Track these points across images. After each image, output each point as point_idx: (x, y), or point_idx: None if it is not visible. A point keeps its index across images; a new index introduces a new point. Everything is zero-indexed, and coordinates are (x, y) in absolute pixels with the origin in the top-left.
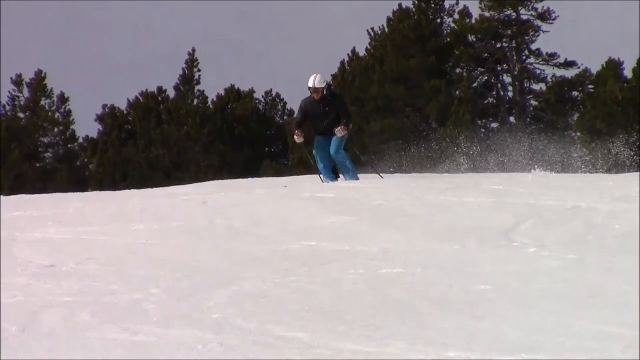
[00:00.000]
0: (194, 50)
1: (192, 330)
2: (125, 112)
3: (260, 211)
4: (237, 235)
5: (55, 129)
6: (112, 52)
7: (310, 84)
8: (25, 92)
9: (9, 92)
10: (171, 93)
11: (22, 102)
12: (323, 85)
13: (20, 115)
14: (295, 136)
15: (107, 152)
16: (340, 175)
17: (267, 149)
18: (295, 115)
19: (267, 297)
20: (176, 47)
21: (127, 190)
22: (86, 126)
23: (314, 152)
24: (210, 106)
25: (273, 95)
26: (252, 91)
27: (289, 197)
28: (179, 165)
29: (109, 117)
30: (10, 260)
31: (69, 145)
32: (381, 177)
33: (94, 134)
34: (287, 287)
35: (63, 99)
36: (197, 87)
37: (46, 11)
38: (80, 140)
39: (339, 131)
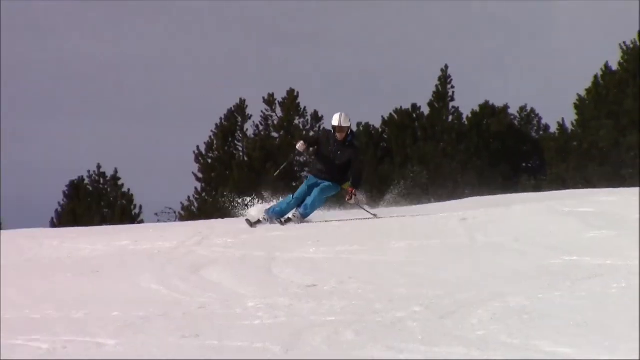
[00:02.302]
0: (446, 66)
1: (457, 347)
2: (380, 129)
3: (519, 227)
4: (498, 251)
5: (310, 148)
6: (365, 69)
7: (335, 122)
8: (278, 111)
9: (261, 112)
10: (425, 110)
11: (275, 122)
12: (348, 124)
13: (274, 134)
14: (299, 143)
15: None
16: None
17: (523, 164)
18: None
19: (530, 312)
20: (429, 64)
21: (385, 208)
22: None
23: (296, 193)
24: (465, 122)
25: (528, 111)
26: (506, 107)
27: (548, 213)
28: (436, 182)
29: (364, 135)
30: (271, 280)
31: None
32: (374, 215)
33: None
34: (550, 303)
35: (317, 118)
36: (451, 104)
37: (295, 28)
38: None
39: (350, 200)
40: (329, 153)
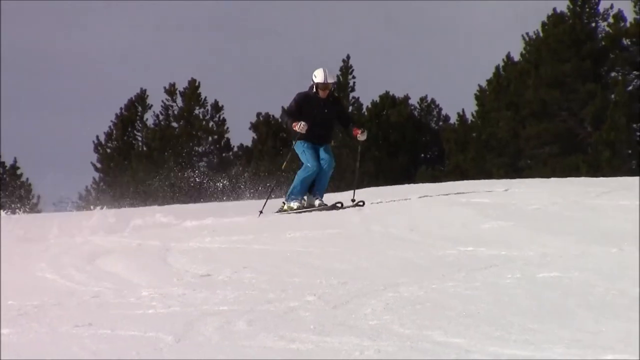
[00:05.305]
0: (348, 57)
1: (349, 337)
2: (279, 120)
3: (415, 217)
4: (394, 242)
5: (210, 138)
6: (265, 59)
7: (320, 79)
8: (179, 101)
9: (162, 101)
10: None
11: (175, 112)
12: (334, 80)
13: (174, 124)
14: (299, 126)
15: (262, 160)
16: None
17: (422, 155)
18: (288, 108)
19: (424, 303)
20: (330, 54)
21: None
22: (240, 135)
23: (306, 165)
24: (365, 113)
25: (428, 102)
26: (407, 97)
27: (445, 203)
28: (334, 173)
29: (264, 125)
30: (166, 269)
31: (223, 155)
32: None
33: (248, 142)
34: (444, 293)
35: (217, 108)
36: (351, 94)
37: (198, 19)
38: (235, 149)
39: (362, 135)
40: (320, 116)
